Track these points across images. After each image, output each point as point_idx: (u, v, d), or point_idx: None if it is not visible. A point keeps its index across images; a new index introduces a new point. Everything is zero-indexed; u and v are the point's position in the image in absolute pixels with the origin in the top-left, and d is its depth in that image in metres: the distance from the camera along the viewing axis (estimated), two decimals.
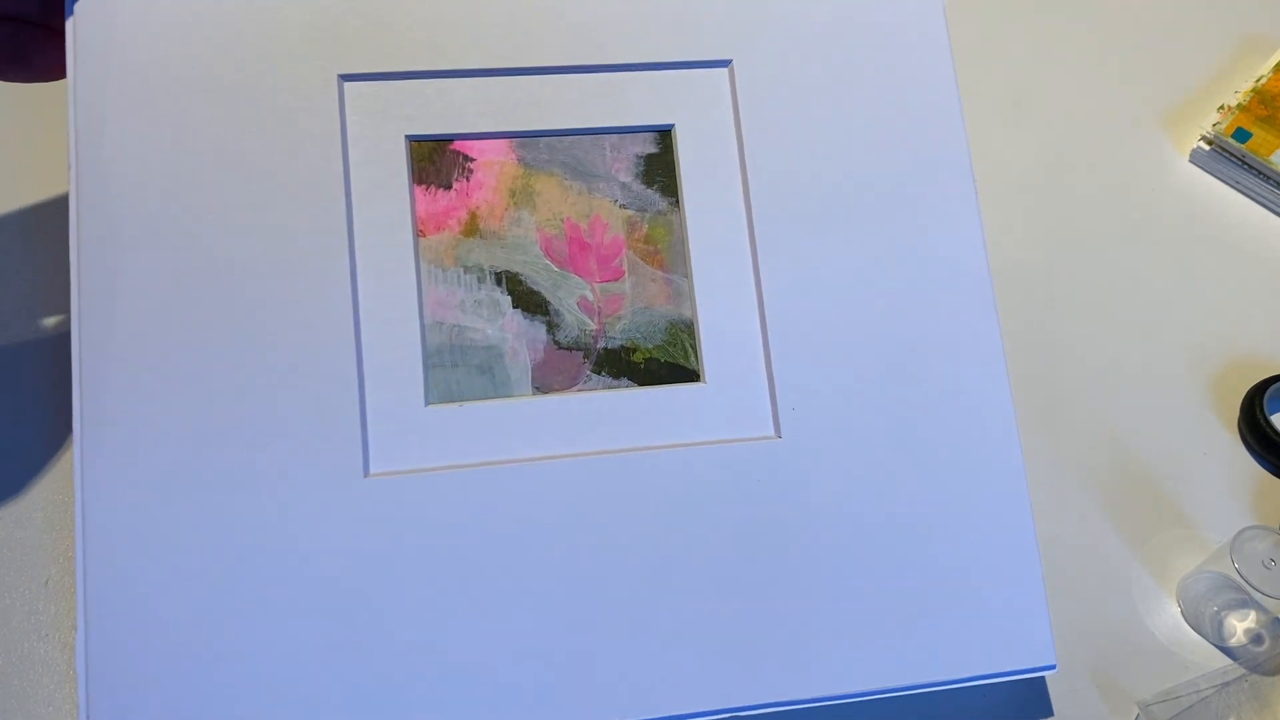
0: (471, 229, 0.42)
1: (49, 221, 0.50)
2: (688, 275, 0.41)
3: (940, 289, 0.42)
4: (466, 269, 0.41)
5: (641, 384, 0.41)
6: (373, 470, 0.38)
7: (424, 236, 0.41)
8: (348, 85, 0.40)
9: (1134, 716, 0.44)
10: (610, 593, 0.38)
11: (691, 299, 0.41)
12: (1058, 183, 0.58)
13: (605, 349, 0.42)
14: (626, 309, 0.42)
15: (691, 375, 0.41)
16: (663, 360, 0.41)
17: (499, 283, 0.41)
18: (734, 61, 0.42)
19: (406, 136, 0.41)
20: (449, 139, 0.41)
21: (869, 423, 0.40)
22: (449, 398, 0.40)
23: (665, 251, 0.42)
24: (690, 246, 0.41)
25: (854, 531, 0.40)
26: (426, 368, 0.40)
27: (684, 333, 0.42)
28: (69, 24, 0.39)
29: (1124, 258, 0.56)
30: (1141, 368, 0.52)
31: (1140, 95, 0.61)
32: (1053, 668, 0.41)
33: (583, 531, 0.39)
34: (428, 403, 0.39)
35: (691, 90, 0.42)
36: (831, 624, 0.39)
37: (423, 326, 0.40)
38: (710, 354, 0.41)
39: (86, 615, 0.37)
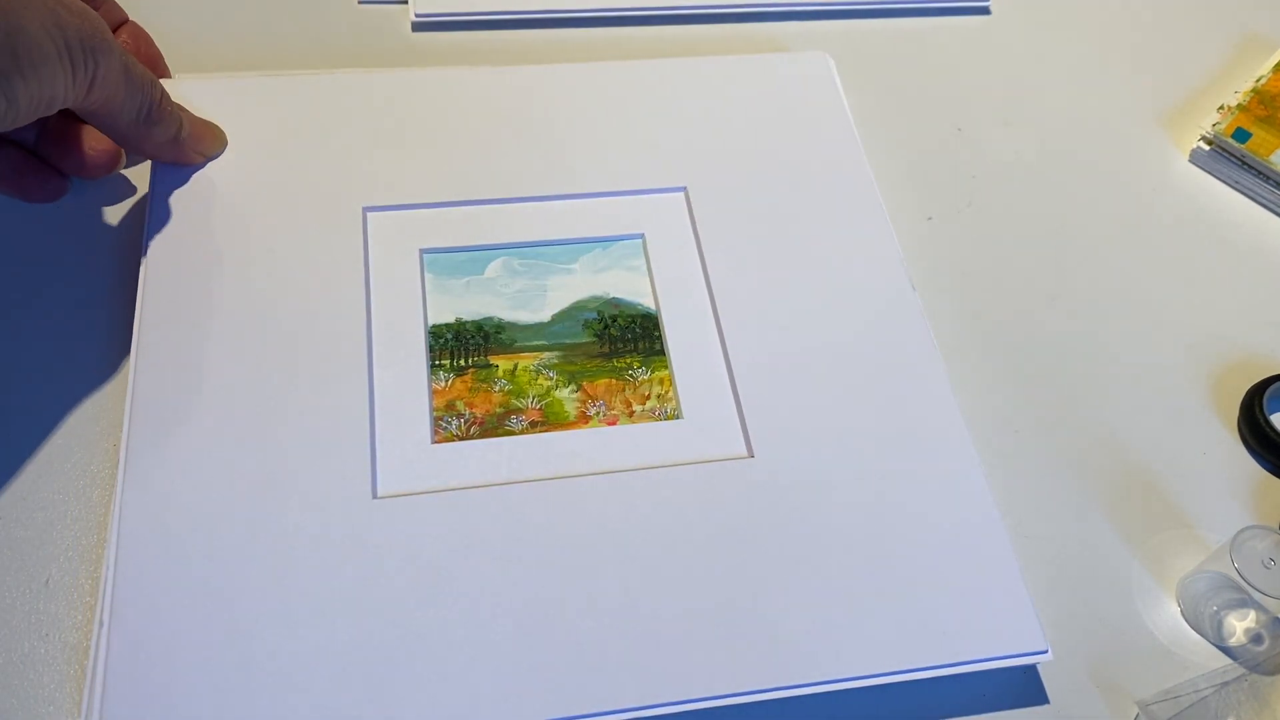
0: None
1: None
2: (664, 346, 0.48)
3: (881, 333, 0.49)
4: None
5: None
6: (381, 492, 0.42)
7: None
8: (370, 214, 0.50)
9: (1134, 716, 0.44)
10: (603, 598, 0.41)
11: (668, 359, 0.47)
12: (1058, 183, 0.58)
13: None
14: None
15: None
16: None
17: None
18: (688, 187, 0.52)
19: (420, 250, 0.49)
20: (457, 251, 0.49)
21: (833, 442, 0.45)
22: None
23: None
24: (663, 320, 0.49)
25: (829, 533, 0.43)
26: (432, 416, 0.45)
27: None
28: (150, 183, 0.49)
29: (1124, 258, 0.56)
30: (1141, 368, 0.52)
31: (1140, 95, 0.61)
32: (1045, 652, 0.41)
33: (575, 541, 0.42)
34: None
35: (657, 209, 0.52)
36: (815, 616, 0.41)
37: (429, 383, 0.46)
38: (686, 398, 0.46)
39: (110, 619, 0.39)
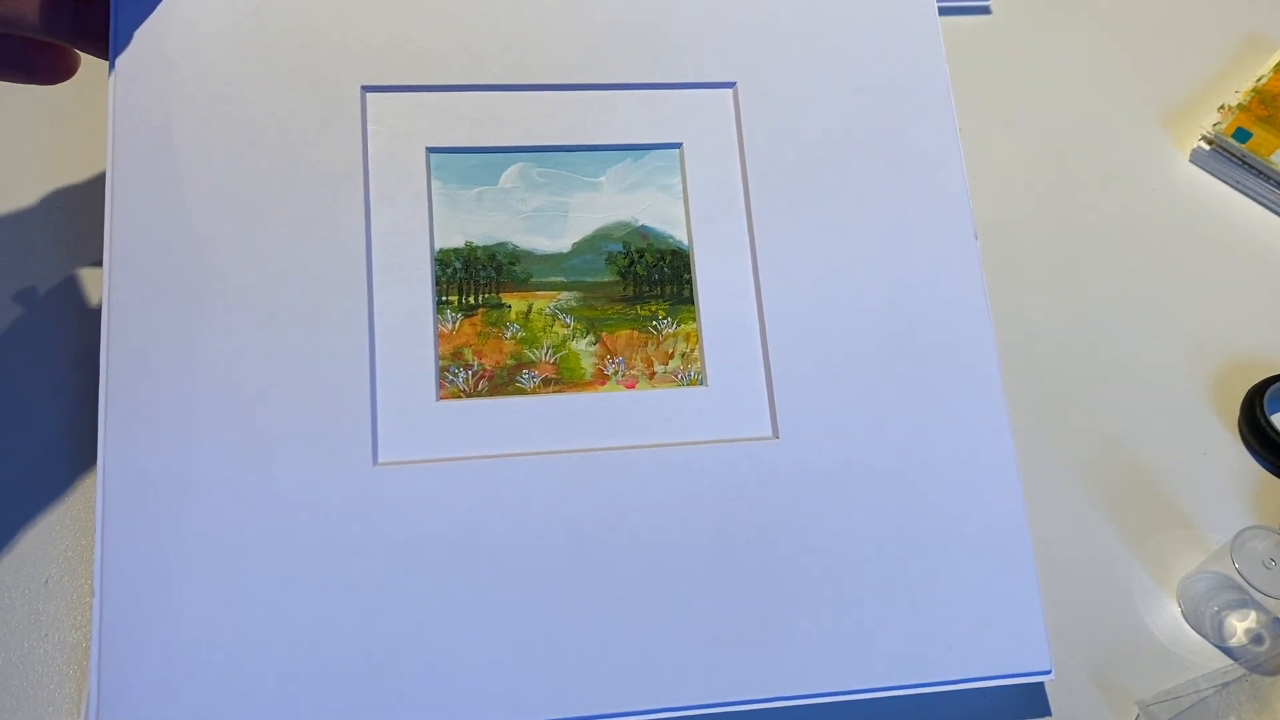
0: None
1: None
2: (693, 286, 0.43)
3: (934, 297, 0.44)
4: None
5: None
6: (381, 459, 0.40)
7: None
8: (370, 96, 0.43)
9: (1134, 716, 0.44)
10: (609, 585, 0.39)
11: (696, 309, 0.43)
12: (1058, 183, 0.58)
13: None
14: None
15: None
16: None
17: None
18: (738, 83, 0.45)
19: (426, 148, 0.43)
20: (467, 151, 0.43)
21: (864, 426, 0.42)
22: None
23: None
24: (695, 258, 0.44)
25: (848, 532, 0.41)
26: (438, 367, 0.41)
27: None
28: (111, 34, 0.41)
29: (1124, 257, 0.56)
30: (1141, 368, 0.52)
31: (1140, 95, 0.61)
32: (1048, 673, 0.41)
33: (584, 525, 0.40)
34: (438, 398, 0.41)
35: (698, 110, 0.45)
36: (825, 622, 0.40)
37: (435, 325, 0.41)
38: (712, 360, 0.43)
39: (103, 593, 0.37)
